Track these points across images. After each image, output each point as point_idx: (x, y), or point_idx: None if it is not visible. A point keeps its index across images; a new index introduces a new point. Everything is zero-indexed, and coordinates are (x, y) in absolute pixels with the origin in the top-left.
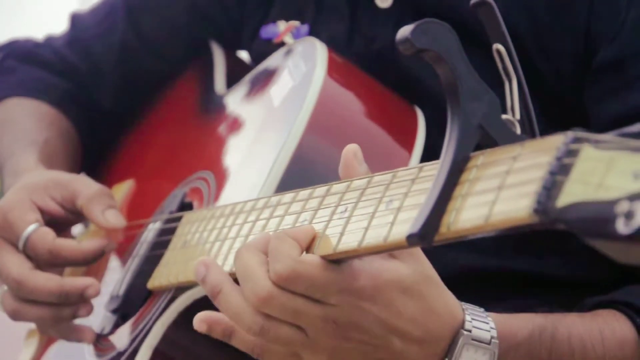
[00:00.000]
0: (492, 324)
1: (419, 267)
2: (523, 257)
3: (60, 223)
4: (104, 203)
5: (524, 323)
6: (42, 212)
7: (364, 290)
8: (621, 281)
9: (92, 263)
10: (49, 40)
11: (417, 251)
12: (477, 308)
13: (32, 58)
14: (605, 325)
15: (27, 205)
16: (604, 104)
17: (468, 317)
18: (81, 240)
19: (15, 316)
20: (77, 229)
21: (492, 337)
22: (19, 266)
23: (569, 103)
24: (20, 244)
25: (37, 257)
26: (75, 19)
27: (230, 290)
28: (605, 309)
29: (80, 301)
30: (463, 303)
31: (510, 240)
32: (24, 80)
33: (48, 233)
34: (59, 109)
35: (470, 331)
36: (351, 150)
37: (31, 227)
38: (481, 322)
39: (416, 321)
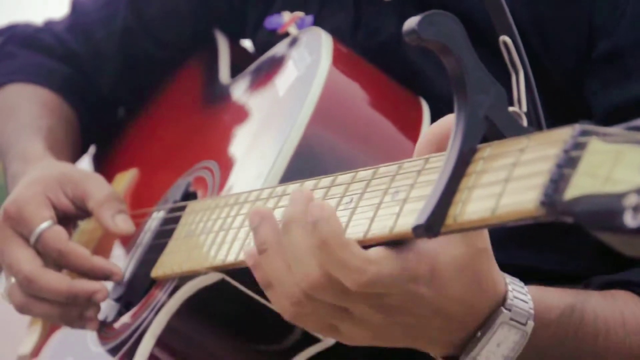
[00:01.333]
0: (531, 304)
1: (474, 240)
2: (525, 252)
3: (68, 218)
4: (114, 207)
5: (557, 301)
6: (55, 208)
7: (424, 276)
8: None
9: (94, 279)
10: (49, 25)
11: None
12: (518, 282)
13: (33, 43)
14: (626, 308)
15: (42, 201)
16: (603, 95)
17: (510, 295)
18: (83, 227)
19: (22, 310)
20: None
21: (528, 318)
22: (30, 262)
23: (573, 97)
24: (33, 239)
25: (46, 254)
26: (76, 4)
27: (276, 253)
28: (621, 290)
29: (87, 304)
30: (506, 275)
31: (513, 235)
32: (25, 65)
33: (61, 232)
34: (60, 95)
35: (510, 310)
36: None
37: (45, 224)
38: (521, 301)
39: (463, 301)
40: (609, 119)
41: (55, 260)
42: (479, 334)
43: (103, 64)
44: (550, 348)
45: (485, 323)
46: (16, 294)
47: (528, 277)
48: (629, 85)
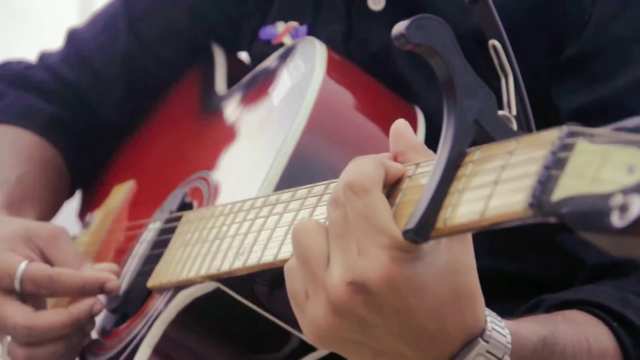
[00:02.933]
0: (509, 338)
1: (459, 254)
2: (515, 260)
3: None
4: (88, 265)
5: (530, 335)
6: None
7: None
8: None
9: (89, 295)
10: (43, 58)
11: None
12: (496, 316)
13: (23, 81)
14: (589, 333)
15: (10, 252)
16: (567, 99)
17: (489, 326)
18: (80, 240)
19: None
20: (76, 230)
21: (505, 353)
22: (21, 312)
23: (548, 104)
24: (17, 283)
25: (37, 289)
26: (72, 34)
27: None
28: (578, 311)
29: (88, 322)
30: (485, 308)
31: (503, 243)
32: (9, 106)
33: (42, 264)
34: (43, 136)
35: (488, 342)
36: (401, 122)
37: (23, 264)
38: (499, 334)
39: (437, 316)
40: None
41: (47, 290)
42: None
43: (105, 91)
44: None
45: (460, 353)
46: (16, 351)
47: (520, 285)
48: (591, 90)
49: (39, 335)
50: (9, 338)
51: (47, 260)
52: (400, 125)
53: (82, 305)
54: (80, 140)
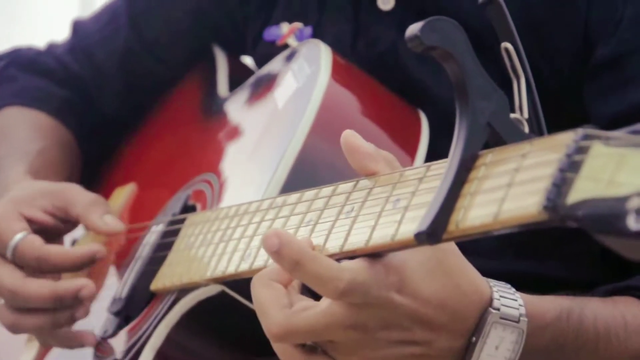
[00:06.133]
0: (520, 301)
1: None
2: (524, 261)
3: (51, 232)
4: (101, 209)
5: (552, 305)
6: (30, 221)
7: (393, 284)
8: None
9: (83, 269)
10: (51, 48)
11: None
12: (504, 285)
13: (34, 67)
14: (627, 311)
15: (13, 216)
16: (602, 103)
17: (496, 295)
18: (82, 242)
19: (13, 328)
20: (78, 232)
21: (520, 315)
22: (10, 276)
23: (570, 102)
24: (9, 253)
25: (26, 264)
26: (77, 26)
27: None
28: (622, 296)
29: (76, 304)
30: (490, 280)
31: (512, 244)
32: (24, 89)
33: (35, 240)
34: (58, 118)
35: (498, 309)
36: (348, 134)
37: (18, 236)
38: (509, 300)
39: (444, 306)
40: (608, 126)
41: (36, 268)
42: (474, 339)
43: (105, 84)
44: (550, 352)
45: (477, 326)
46: (4, 314)
47: (528, 286)
48: (628, 93)
49: (22, 302)
50: (1, 301)
51: (61, 211)
52: (348, 138)
53: (69, 285)
54: (88, 127)
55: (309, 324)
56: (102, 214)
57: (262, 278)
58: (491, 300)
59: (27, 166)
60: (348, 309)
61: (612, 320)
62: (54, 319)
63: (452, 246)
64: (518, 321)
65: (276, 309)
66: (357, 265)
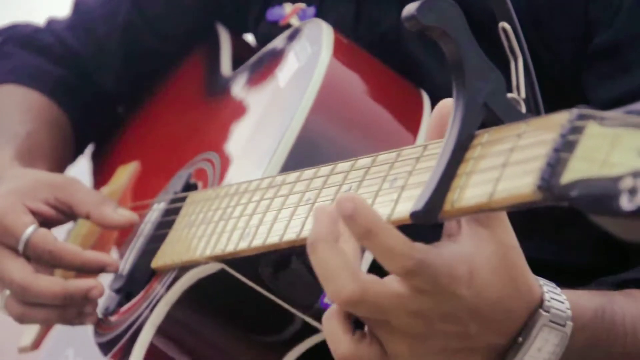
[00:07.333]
0: (567, 304)
1: (502, 237)
2: (521, 244)
3: (48, 224)
4: (112, 205)
5: (590, 303)
6: (34, 214)
7: (463, 276)
8: (624, 267)
9: (89, 274)
10: (51, 24)
11: (502, 215)
12: (550, 283)
13: (31, 43)
14: None
15: (20, 209)
16: (601, 89)
17: (547, 296)
18: (74, 235)
19: (21, 319)
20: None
21: (567, 319)
22: (21, 271)
23: (569, 89)
24: (21, 247)
25: (38, 258)
26: (79, 2)
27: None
28: (636, 289)
29: (84, 302)
30: (539, 278)
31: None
32: (19, 66)
33: (48, 234)
34: (50, 97)
35: (548, 312)
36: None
37: (30, 229)
38: (558, 302)
39: (501, 304)
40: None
41: (47, 262)
42: (520, 339)
43: (106, 60)
44: (585, 351)
45: (525, 327)
46: (12, 305)
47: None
48: (626, 79)
49: (32, 297)
50: (7, 292)
51: (64, 205)
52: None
53: (80, 284)
54: (83, 105)
55: (383, 297)
56: (114, 208)
57: (327, 242)
58: (542, 301)
59: (14, 150)
60: (417, 294)
61: (637, 317)
62: (62, 314)
63: (513, 241)
64: (564, 325)
65: (347, 272)
66: (429, 248)
